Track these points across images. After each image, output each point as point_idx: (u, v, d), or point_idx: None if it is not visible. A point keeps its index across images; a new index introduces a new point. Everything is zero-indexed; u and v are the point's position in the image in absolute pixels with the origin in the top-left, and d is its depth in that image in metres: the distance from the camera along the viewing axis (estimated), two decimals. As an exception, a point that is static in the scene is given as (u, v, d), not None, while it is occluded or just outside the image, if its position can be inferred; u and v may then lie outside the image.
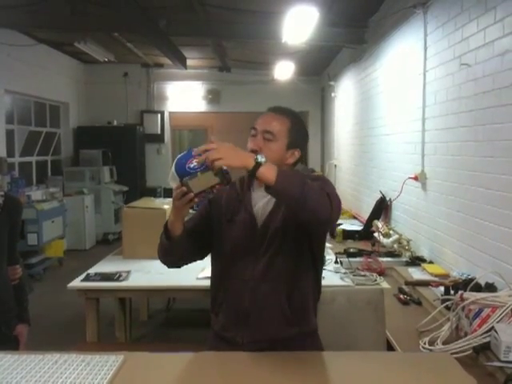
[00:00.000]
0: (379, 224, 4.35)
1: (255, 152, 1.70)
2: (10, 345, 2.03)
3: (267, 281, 1.74)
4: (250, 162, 1.49)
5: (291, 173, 1.62)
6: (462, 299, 2.07)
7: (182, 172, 1.57)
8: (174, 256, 1.83)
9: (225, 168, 1.51)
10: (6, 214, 2.12)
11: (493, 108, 2.73)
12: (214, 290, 1.85)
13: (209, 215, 1.87)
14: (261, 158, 1.51)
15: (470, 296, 2.07)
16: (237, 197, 1.83)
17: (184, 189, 1.56)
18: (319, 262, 1.87)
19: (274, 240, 1.74)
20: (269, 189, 1.51)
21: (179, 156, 1.61)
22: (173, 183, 1.62)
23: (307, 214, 1.50)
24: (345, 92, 7.25)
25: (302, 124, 1.87)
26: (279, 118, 1.79)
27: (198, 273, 3.01)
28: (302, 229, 1.69)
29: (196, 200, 1.58)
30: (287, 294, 1.75)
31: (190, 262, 1.91)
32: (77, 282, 3.02)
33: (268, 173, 1.49)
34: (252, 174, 1.49)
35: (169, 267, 1.90)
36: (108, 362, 1.53)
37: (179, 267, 1.91)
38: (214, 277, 1.87)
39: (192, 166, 1.55)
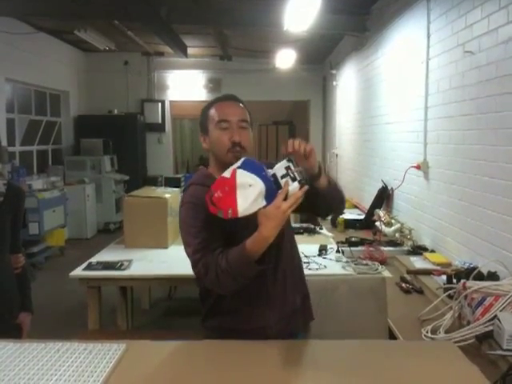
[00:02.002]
0: (381, 213, 4.34)
1: (239, 145, 1.69)
2: (12, 333, 2.03)
3: (282, 255, 1.77)
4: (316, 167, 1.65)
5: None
6: (465, 288, 2.07)
7: (270, 183, 1.48)
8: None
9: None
10: (9, 202, 2.11)
11: (496, 96, 2.71)
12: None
13: (225, 221, 1.57)
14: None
15: (473, 285, 2.07)
16: None
17: (305, 188, 1.47)
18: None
19: None
20: (325, 188, 1.68)
21: (255, 175, 1.47)
22: (255, 206, 1.46)
23: (343, 201, 1.87)
24: (347, 81, 7.21)
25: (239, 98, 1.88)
26: (240, 105, 1.80)
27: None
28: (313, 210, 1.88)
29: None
30: (293, 261, 1.83)
31: None
32: (79, 271, 3.02)
33: (324, 176, 1.68)
34: (319, 175, 1.65)
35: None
36: (110, 351, 1.53)
37: None
38: None
39: (273, 173, 1.50)
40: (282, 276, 1.77)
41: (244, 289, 1.66)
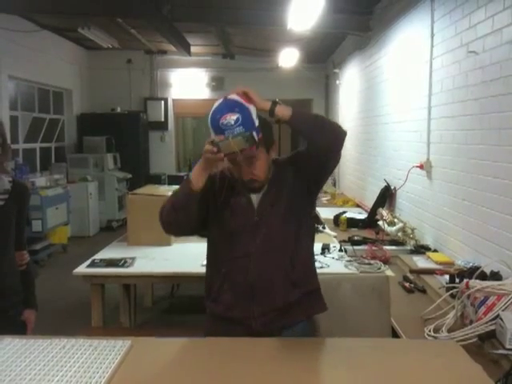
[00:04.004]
0: (384, 212, 4.34)
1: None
2: (17, 329, 2.04)
3: (270, 250, 1.80)
4: (267, 104, 1.72)
5: (303, 109, 1.82)
6: (468, 287, 2.08)
7: (216, 127, 1.64)
8: (184, 215, 1.75)
9: (255, 132, 1.64)
10: (14, 199, 2.12)
11: (500, 96, 2.71)
12: (214, 274, 1.87)
13: (209, 189, 1.82)
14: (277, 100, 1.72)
15: (476, 284, 2.07)
16: (228, 182, 1.86)
17: (214, 148, 1.61)
18: (313, 217, 2.00)
19: (271, 213, 1.81)
20: (288, 122, 1.71)
21: (214, 109, 1.67)
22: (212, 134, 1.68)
23: (328, 134, 1.74)
24: (349, 80, 7.20)
25: (260, 117, 1.80)
26: None
27: (203, 259, 3.00)
28: (318, 165, 1.80)
29: (225, 160, 1.67)
30: (290, 257, 1.82)
31: (189, 231, 1.91)
32: (82, 268, 3.04)
33: (284, 109, 1.72)
34: (271, 112, 1.71)
35: (169, 231, 1.90)
36: (115, 347, 1.54)
37: (177, 235, 1.94)
38: (214, 259, 1.89)
39: (226, 122, 1.62)
40: (269, 268, 1.79)
41: (228, 278, 1.80)
